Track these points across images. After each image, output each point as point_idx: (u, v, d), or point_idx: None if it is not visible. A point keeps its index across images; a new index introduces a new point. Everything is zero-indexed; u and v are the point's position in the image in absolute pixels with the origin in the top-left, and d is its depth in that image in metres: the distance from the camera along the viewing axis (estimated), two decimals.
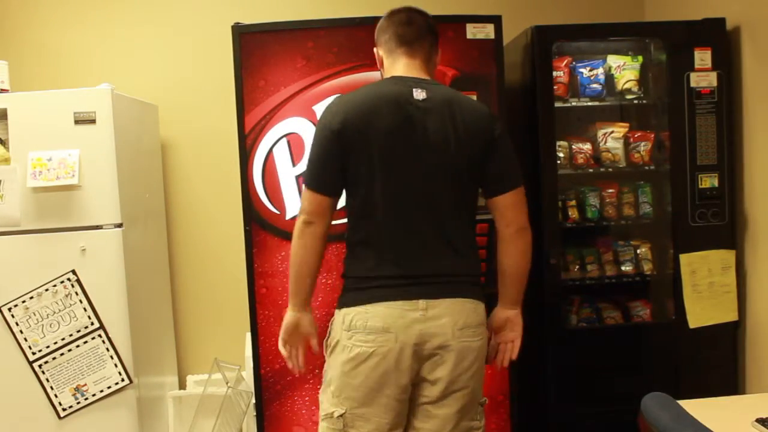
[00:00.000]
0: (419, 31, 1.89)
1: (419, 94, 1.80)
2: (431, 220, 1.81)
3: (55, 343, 2.66)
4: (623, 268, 2.89)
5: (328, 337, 1.87)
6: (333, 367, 1.83)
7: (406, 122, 1.78)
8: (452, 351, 1.78)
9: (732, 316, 2.73)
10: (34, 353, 2.65)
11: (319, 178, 1.83)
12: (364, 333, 1.77)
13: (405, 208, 1.80)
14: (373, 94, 1.81)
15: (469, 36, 2.48)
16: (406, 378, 1.78)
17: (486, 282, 1.97)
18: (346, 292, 1.85)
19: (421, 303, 1.77)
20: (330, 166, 1.81)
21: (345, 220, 1.91)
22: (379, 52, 1.94)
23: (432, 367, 1.79)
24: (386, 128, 1.77)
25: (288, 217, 2.46)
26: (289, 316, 1.91)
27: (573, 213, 2.83)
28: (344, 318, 1.81)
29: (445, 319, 1.78)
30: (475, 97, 2.48)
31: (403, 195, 1.79)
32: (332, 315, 1.90)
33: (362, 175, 1.80)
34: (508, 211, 1.86)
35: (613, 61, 2.84)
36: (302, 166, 2.37)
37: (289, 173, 2.47)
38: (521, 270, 1.91)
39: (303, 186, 1.86)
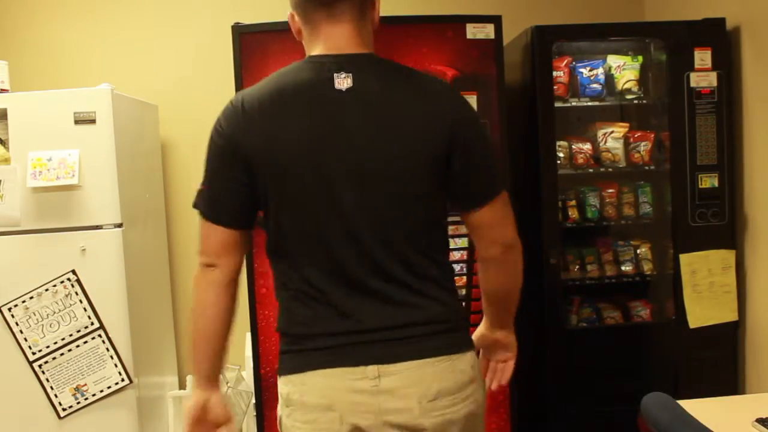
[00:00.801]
0: None
1: (342, 82, 1.32)
2: (377, 253, 1.33)
3: (55, 343, 2.66)
4: (623, 268, 2.89)
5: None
6: None
7: (325, 125, 1.31)
8: None
9: (732, 316, 2.73)
10: (34, 353, 2.65)
11: (218, 206, 1.36)
12: (303, 412, 1.34)
13: (337, 240, 1.33)
14: (277, 90, 1.33)
15: (469, 36, 2.48)
16: None
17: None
18: (281, 355, 1.40)
19: (371, 370, 1.31)
20: (229, 189, 1.35)
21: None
22: (295, 18, 1.41)
23: None
24: (297, 138, 1.31)
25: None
26: (193, 396, 1.41)
27: (573, 213, 2.83)
28: (281, 390, 1.39)
29: (409, 390, 1.31)
30: (475, 98, 2.48)
31: (332, 222, 1.32)
32: None
33: (272, 199, 1.34)
34: (489, 229, 1.41)
35: (613, 61, 2.84)
36: None
37: None
38: (510, 293, 1.52)
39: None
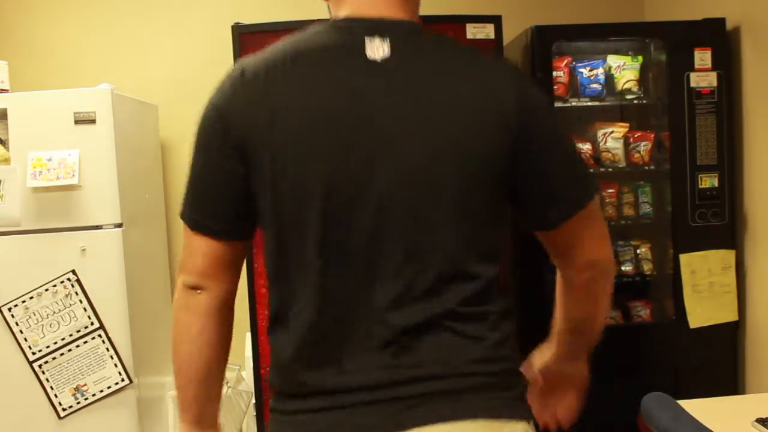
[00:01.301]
0: None
1: (377, 49, 1.00)
2: (401, 278, 0.98)
3: (55, 343, 2.66)
4: (623, 268, 2.89)
5: None
6: None
7: (348, 100, 0.99)
8: None
9: (732, 316, 2.73)
10: (34, 353, 2.65)
11: (204, 209, 1.05)
12: None
13: (347, 258, 0.99)
14: (287, 55, 1.01)
15: (469, 36, 2.48)
16: None
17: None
18: (271, 413, 1.07)
19: None
20: (219, 186, 1.04)
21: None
22: None
23: None
24: (310, 113, 0.98)
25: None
26: None
27: None
28: None
29: None
30: None
31: (341, 234, 0.99)
32: None
33: (270, 200, 1.01)
34: (575, 248, 1.10)
35: (613, 61, 2.84)
36: None
37: None
38: (597, 322, 1.22)
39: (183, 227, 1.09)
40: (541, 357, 1.28)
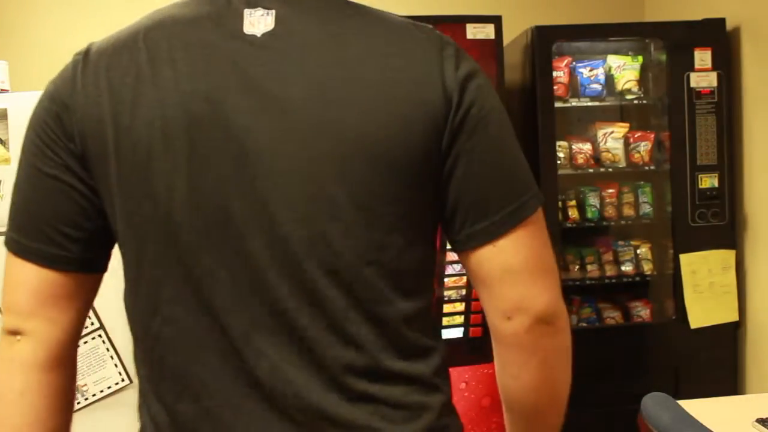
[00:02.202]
0: None
1: (257, 21, 0.77)
2: (291, 329, 0.75)
3: None
4: (623, 268, 2.89)
5: None
6: None
7: (220, 89, 0.75)
8: None
9: (732, 316, 2.73)
10: None
11: (27, 224, 0.81)
12: None
13: (222, 304, 0.76)
14: (146, 30, 0.82)
15: (469, 36, 2.48)
16: None
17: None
18: None
19: None
20: (48, 191, 0.79)
21: None
22: None
23: None
24: (166, 109, 0.75)
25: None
26: None
27: (573, 213, 2.83)
28: None
29: None
30: None
31: (215, 270, 0.75)
32: None
33: (118, 217, 0.79)
34: (505, 281, 0.79)
35: (613, 61, 2.84)
36: None
37: None
38: (542, 407, 0.88)
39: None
40: None
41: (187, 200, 0.74)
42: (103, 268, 0.85)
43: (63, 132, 0.78)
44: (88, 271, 0.83)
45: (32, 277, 0.79)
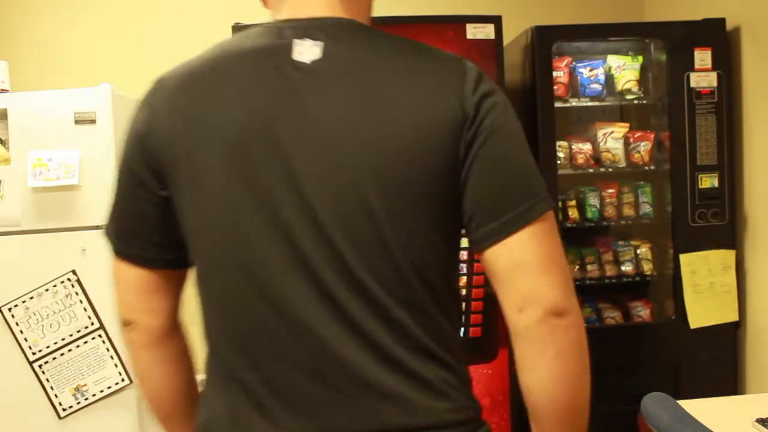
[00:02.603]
0: None
1: (306, 51, 0.89)
2: (339, 313, 0.87)
3: (55, 343, 2.66)
4: (623, 268, 2.89)
5: None
6: None
7: (273, 109, 0.88)
8: None
9: (732, 316, 2.73)
10: (34, 353, 2.65)
11: (127, 238, 0.97)
12: None
13: (277, 291, 0.87)
14: (212, 63, 0.93)
15: (469, 36, 2.48)
16: None
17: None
18: None
19: None
20: (141, 215, 0.95)
21: None
22: None
23: None
24: (230, 121, 0.88)
25: None
26: None
27: (573, 213, 2.83)
28: None
29: None
30: None
31: (271, 263, 0.87)
32: None
33: (190, 219, 0.92)
34: (515, 278, 0.87)
35: (613, 61, 2.84)
36: None
37: None
38: (560, 402, 0.90)
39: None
40: None
41: (246, 203, 0.87)
42: (187, 264, 0.97)
43: (144, 155, 0.92)
44: (173, 268, 0.98)
45: (131, 275, 0.97)
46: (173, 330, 1.02)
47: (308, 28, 0.91)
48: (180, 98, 0.91)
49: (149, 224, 0.95)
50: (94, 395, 2.69)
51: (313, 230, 0.86)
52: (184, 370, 1.05)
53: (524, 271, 0.86)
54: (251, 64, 0.90)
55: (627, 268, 2.89)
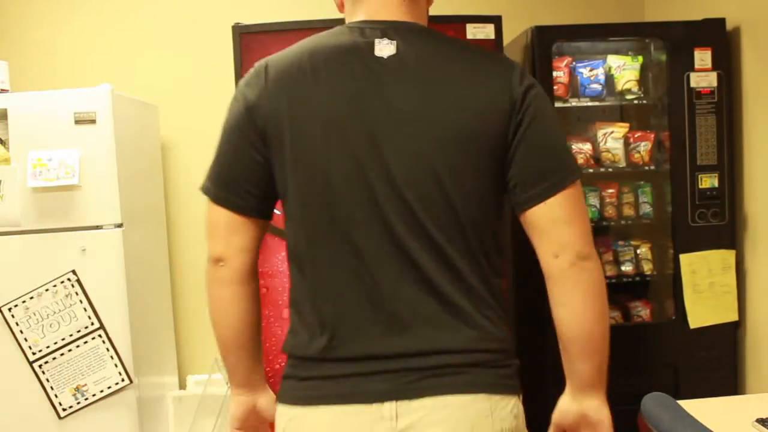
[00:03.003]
0: None
1: (384, 48, 1.12)
2: (407, 258, 1.09)
3: (55, 343, 2.66)
4: (623, 268, 2.89)
5: None
6: None
7: (360, 91, 1.11)
8: None
9: (732, 316, 2.73)
10: (34, 353, 2.65)
11: (227, 187, 1.17)
12: None
13: (361, 236, 1.09)
14: (305, 53, 1.15)
15: (469, 36, 2.48)
16: None
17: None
18: (284, 379, 1.18)
19: (387, 407, 1.07)
20: (241, 170, 1.16)
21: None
22: None
23: None
24: (326, 102, 1.10)
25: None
26: (235, 403, 1.27)
27: None
28: (278, 421, 1.17)
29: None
30: None
31: (356, 216, 1.10)
32: None
33: (290, 181, 1.13)
34: (551, 231, 1.11)
35: (613, 61, 2.84)
36: None
37: None
38: (590, 330, 1.14)
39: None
40: (560, 402, 1.24)
41: (339, 168, 1.09)
42: (270, 217, 1.20)
43: (252, 122, 1.13)
44: (261, 217, 1.18)
45: (228, 219, 1.16)
46: (254, 272, 1.20)
47: (385, 29, 1.15)
48: (285, 81, 1.13)
49: (251, 178, 1.15)
50: (94, 395, 2.69)
51: (392, 192, 1.08)
52: (257, 310, 1.22)
53: (559, 224, 1.11)
54: (342, 57, 1.12)
55: (627, 268, 2.89)
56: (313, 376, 1.12)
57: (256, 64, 1.18)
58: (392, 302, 1.10)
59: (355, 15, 1.19)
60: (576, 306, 1.13)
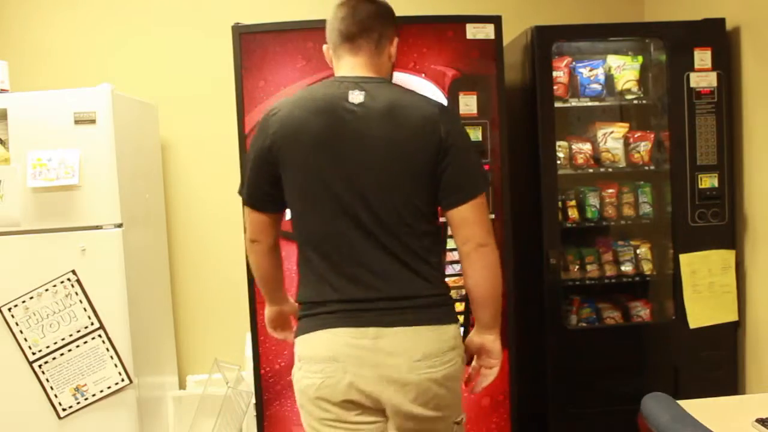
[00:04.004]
0: (363, 23, 1.68)
1: (355, 97, 1.62)
2: (375, 237, 1.61)
3: (55, 343, 2.66)
4: (623, 268, 2.89)
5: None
6: (297, 397, 1.72)
7: (337, 129, 1.61)
8: (409, 385, 1.59)
9: (732, 316, 2.73)
10: (34, 353, 2.65)
11: (256, 196, 1.72)
12: (312, 363, 1.62)
13: (342, 225, 1.62)
14: (306, 99, 1.66)
15: (469, 36, 2.48)
16: (360, 410, 1.62)
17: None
18: (298, 321, 1.70)
19: (371, 331, 1.59)
20: (264, 183, 1.69)
21: None
22: (329, 50, 1.76)
23: (389, 401, 1.60)
24: (315, 138, 1.61)
25: (288, 217, 2.46)
26: (268, 309, 1.95)
27: (573, 213, 2.83)
28: (296, 349, 1.68)
29: (399, 350, 1.58)
30: (474, 98, 2.48)
31: (338, 211, 1.62)
32: None
33: (294, 190, 1.67)
34: (463, 227, 1.64)
35: (613, 61, 2.84)
36: None
37: None
38: (486, 292, 1.67)
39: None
40: (470, 334, 1.76)
41: (321, 178, 1.62)
42: (283, 212, 1.76)
43: (270, 153, 1.66)
44: (277, 212, 1.76)
45: (256, 217, 1.75)
46: (277, 246, 1.81)
47: (357, 82, 1.66)
48: (288, 121, 1.64)
49: (269, 189, 1.70)
50: (93, 395, 2.69)
51: (355, 193, 1.61)
52: (278, 265, 1.86)
53: (468, 223, 1.64)
54: (324, 104, 1.63)
55: (627, 268, 2.89)
56: (319, 313, 1.63)
57: (270, 108, 1.69)
58: (370, 266, 1.62)
59: (338, 70, 1.73)
60: (477, 277, 1.66)
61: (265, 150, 1.65)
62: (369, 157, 1.60)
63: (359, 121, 1.61)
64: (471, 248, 1.64)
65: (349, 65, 1.69)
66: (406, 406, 1.59)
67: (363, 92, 1.63)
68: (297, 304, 1.72)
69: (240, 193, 1.76)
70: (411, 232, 1.63)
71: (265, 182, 1.69)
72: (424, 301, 1.63)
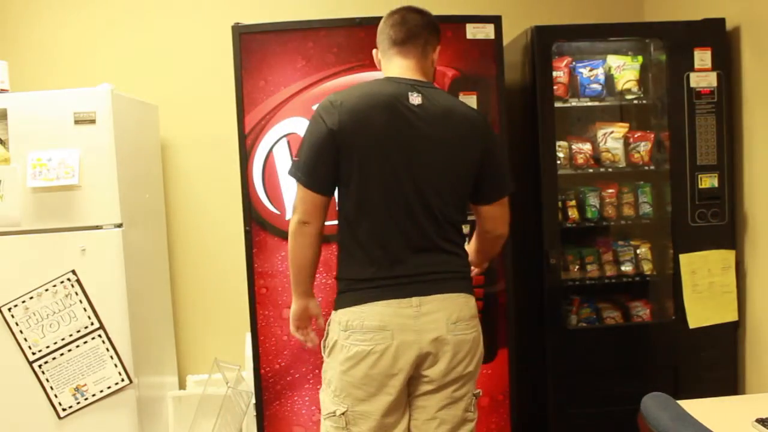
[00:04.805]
0: (411, 31, 1.89)
1: (415, 99, 1.82)
2: (420, 222, 1.83)
3: (55, 343, 2.66)
4: (623, 268, 2.89)
5: (326, 338, 1.90)
6: (332, 367, 1.86)
7: (400, 125, 1.80)
8: (448, 344, 1.82)
9: (732, 316, 2.73)
10: (34, 353, 2.65)
11: (314, 177, 1.82)
12: (361, 332, 1.80)
13: (395, 210, 1.82)
14: (369, 94, 1.83)
15: (469, 36, 2.48)
16: (404, 374, 1.81)
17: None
18: (341, 294, 1.88)
19: (414, 300, 1.81)
20: (325, 165, 1.81)
21: (337, 221, 1.91)
22: (378, 54, 1.96)
23: (429, 362, 1.83)
24: (380, 129, 1.79)
25: (288, 217, 2.46)
26: (297, 304, 1.97)
27: (573, 213, 2.83)
28: (341, 319, 1.84)
29: (439, 314, 1.82)
30: (474, 98, 2.49)
31: (393, 197, 1.81)
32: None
33: (354, 176, 1.81)
34: (489, 219, 1.97)
35: (613, 61, 2.84)
36: None
37: None
38: (490, 254, 2.13)
39: (297, 184, 1.86)
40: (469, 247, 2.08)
41: (384, 169, 1.80)
42: (332, 194, 1.87)
43: (333, 139, 1.79)
44: (329, 195, 1.86)
45: (312, 197, 1.83)
46: (323, 229, 1.88)
47: (414, 84, 1.85)
48: (355, 111, 1.79)
49: (327, 173, 1.82)
50: (93, 395, 2.69)
51: (414, 187, 1.82)
52: (319, 256, 1.91)
53: (495, 217, 1.97)
54: (387, 100, 1.81)
55: (627, 268, 2.89)
56: (364, 287, 1.82)
57: (331, 98, 1.83)
58: (414, 248, 1.84)
59: (388, 72, 1.91)
60: (489, 249, 2.09)
61: (331, 135, 1.78)
62: (426, 155, 1.81)
63: (420, 121, 1.81)
64: (492, 237, 2.01)
65: (399, 67, 1.89)
66: (443, 364, 1.83)
67: (420, 95, 1.83)
68: (336, 280, 1.91)
69: (293, 175, 1.85)
70: (450, 222, 1.88)
71: (325, 165, 1.81)
72: (454, 275, 1.89)
